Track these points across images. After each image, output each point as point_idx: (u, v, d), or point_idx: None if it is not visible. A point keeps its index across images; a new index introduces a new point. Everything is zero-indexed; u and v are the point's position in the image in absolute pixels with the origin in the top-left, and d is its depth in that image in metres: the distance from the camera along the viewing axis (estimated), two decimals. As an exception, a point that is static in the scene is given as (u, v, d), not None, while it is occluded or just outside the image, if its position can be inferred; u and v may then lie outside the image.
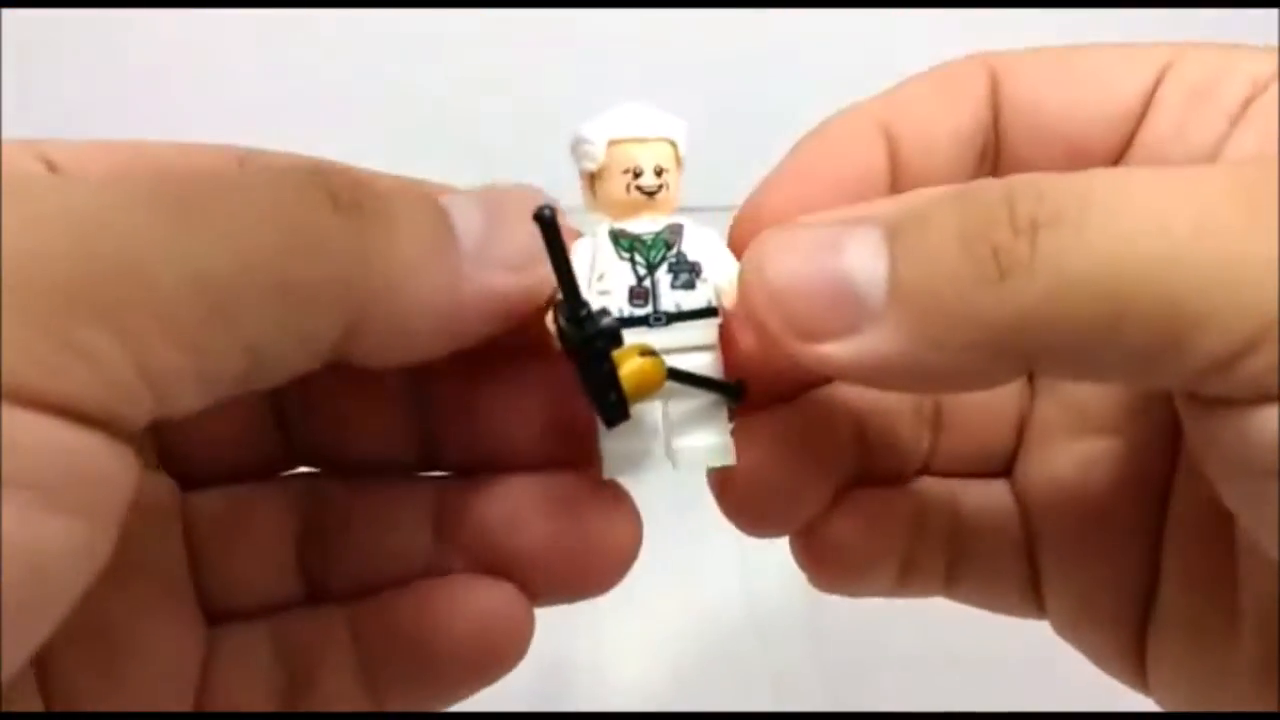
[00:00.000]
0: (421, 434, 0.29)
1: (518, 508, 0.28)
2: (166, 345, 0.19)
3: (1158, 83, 0.28)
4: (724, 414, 0.27)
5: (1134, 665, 0.29)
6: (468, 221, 0.25)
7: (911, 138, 0.29)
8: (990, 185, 0.23)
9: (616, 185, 0.27)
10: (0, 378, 0.17)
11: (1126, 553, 0.29)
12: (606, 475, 0.27)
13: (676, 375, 0.27)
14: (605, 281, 0.27)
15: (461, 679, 0.28)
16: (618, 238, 0.27)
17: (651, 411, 0.27)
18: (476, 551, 0.28)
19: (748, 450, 0.28)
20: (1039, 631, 0.31)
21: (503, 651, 0.28)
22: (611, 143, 0.27)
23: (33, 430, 0.18)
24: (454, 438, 0.29)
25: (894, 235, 0.23)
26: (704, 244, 0.27)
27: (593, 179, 0.27)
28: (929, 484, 0.31)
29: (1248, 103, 0.27)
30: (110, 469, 0.19)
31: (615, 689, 0.45)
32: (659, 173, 0.27)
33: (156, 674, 0.26)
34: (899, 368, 0.23)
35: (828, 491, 0.29)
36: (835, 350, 0.23)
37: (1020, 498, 0.31)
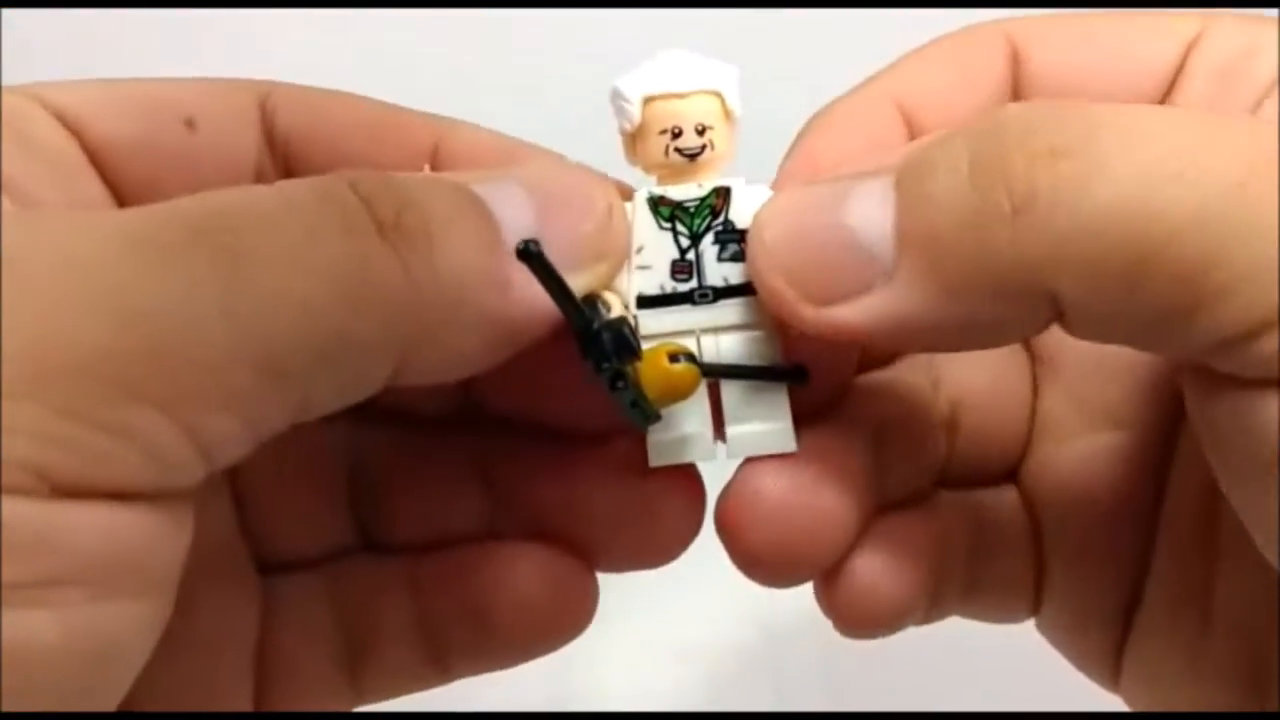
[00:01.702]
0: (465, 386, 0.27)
1: (579, 475, 0.26)
2: (216, 413, 0.18)
3: (1185, 57, 0.26)
4: (784, 395, 0.25)
5: (1111, 664, 0.28)
6: (517, 217, 0.22)
7: (928, 114, 0.26)
8: (1005, 112, 0.21)
9: (655, 147, 0.24)
10: (48, 474, 0.17)
11: (1125, 551, 0.27)
12: (653, 464, 0.25)
13: (716, 371, 0.24)
14: (645, 255, 0.24)
15: (525, 647, 0.27)
16: (657, 205, 0.24)
17: (698, 395, 0.24)
18: (532, 515, 0.26)
19: (764, 482, 0.25)
20: (1037, 633, 0.30)
21: (569, 622, 0.27)
22: (648, 99, 0.24)
23: (83, 523, 0.17)
24: (499, 395, 0.27)
25: (899, 183, 0.21)
26: (755, 209, 0.24)
27: (632, 140, 0.25)
28: (947, 499, 0.28)
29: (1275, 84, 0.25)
30: (165, 538, 0.18)
31: (616, 689, 0.45)
32: (701, 131, 0.24)
33: (215, 632, 0.25)
34: (915, 324, 0.21)
35: (856, 524, 0.26)
36: (848, 313, 0.22)
37: (1029, 500, 0.28)
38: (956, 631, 0.42)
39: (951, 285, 0.21)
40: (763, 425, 0.25)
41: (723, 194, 0.24)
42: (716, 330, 0.24)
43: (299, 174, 0.26)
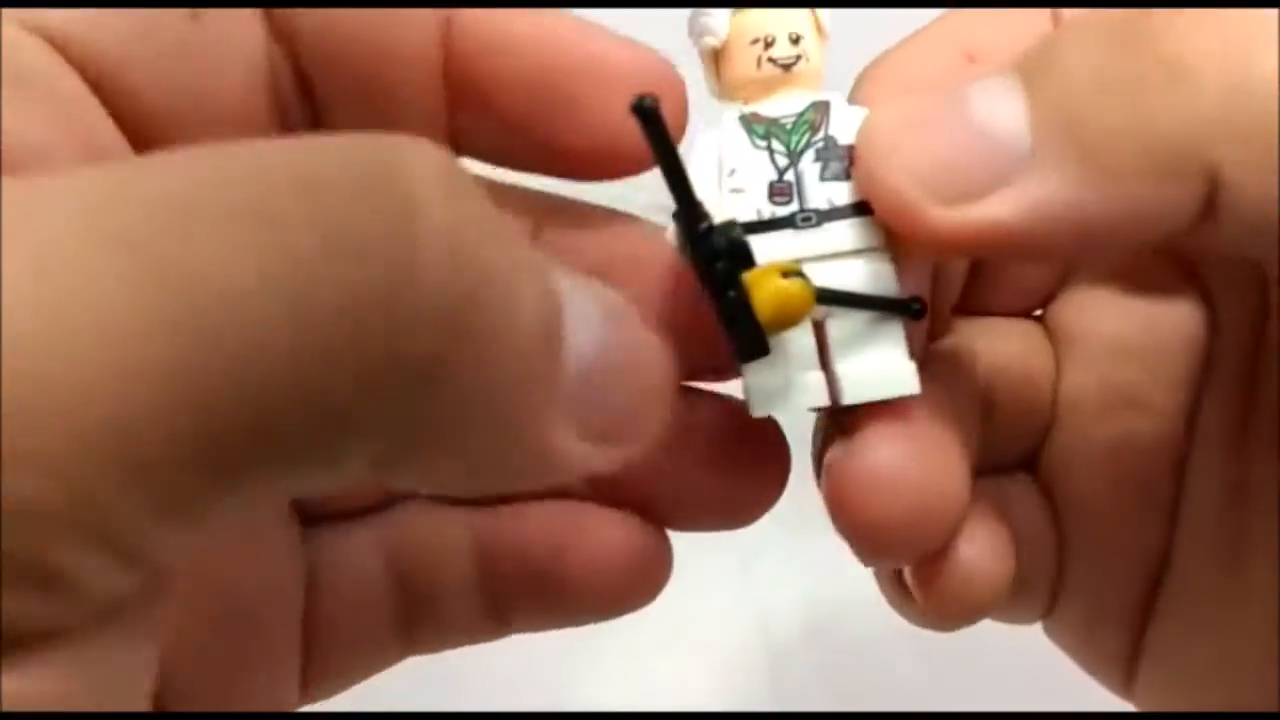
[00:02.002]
0: None
1: None
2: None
3: None
4: (900, 331, 0.22)
5: (1125, 667, 0.27)
6: (579, 348, 0.17)
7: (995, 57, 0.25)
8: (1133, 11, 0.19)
9: (744, 60, 0.22)
10: None
11: (1145, 543, 0.26)
12: (755, 414, 0.22)
13: (831, 297, 0.22)
14: (738, 178, 0.22)
15: (594, 611, 0.25)
16: (750, 124, 0.22)
17: (803, 333, 0.22)
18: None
19: (886, 451, 0.22)
20: (1039, 631, 0.29)
21: (643, 588, 0.25)
22: (736, 11, 0.22)
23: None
24: None
25: (1023, 72, 0.20)
26: (857, 124, 0.22)
27: (716, 59, 0.22)
28: (981, 485, 0.26)
29: None
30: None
31: (616, 689, 0.45)
32: (795, 40, 0.22)
33: (259, 594, 0.23)
34: (1063, 213, 0.19)
35: (969, 491, 0.24)
36: (988, 208, 0.20)
37: (1047, 489, 0.27)
38: (956, 632, 0.42)
39: (1102, 163, 0.19)
40: (881, 365, 0.22)
41: (821, 108, 0.22)
42: (822, 258, 0.22)
43: (306, 56, 0.22)
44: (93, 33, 0.20)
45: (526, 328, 0.16)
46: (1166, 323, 0.26)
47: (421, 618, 0.25)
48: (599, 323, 0.18)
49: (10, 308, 0.12)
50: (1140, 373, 0.26)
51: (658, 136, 0.19)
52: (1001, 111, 0.20)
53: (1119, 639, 0.27)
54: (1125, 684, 0.27)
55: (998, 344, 0.26)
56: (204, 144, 0.15)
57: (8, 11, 0.20)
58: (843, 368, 0.22)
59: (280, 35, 0.22)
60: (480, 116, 0.23)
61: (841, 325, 0.22)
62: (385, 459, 0.15)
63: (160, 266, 0.13)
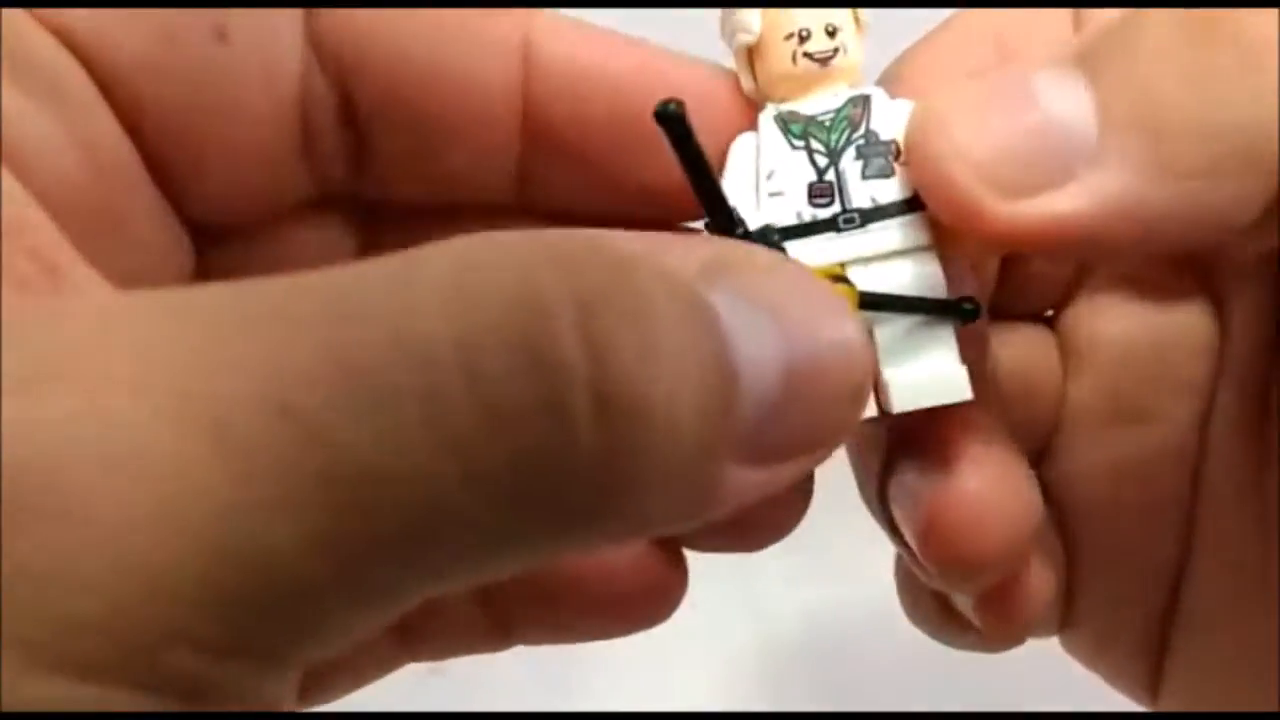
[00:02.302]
0: None
1: None
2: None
3: None
4: (951, 334, 0.21)
5: (1149, 677, 0.26)
6: (757, 386, 0.16)
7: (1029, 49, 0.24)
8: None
9: (780, 56, 0.21)
10: None
11: (1160, 549, 0.26)
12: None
13: (876, 302, 0.21)
14: (776, 180, 0.21)
15: (604, 631, 0.24)
16: (787, 123, 0.21)
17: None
18: None
19: (975, 480, 0.21)
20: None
21: (656, 610, 0.24)
22: (769, 5, 0.21)
23: None
24: None
25: (1086, 60, 0.19)
26: (901, 118, 0.21)
27: (750, 57, 0.21)
28: None
29: None
30: None
31: (616, 689, 0.44)
32: (832, 33, 0.21)
33: None
34: (1134, 207, 0.19)
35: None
36: (1057, 202, 0.19)
37: (1054, 499, 0.26)
38: None
39: (1175, 157, 0.18)
40: (932, 370, 0.21)
41: (861, 103, 0.21)
42: (868, 260, 0.21)
43: (357, 84, 0.21)
44: (112, 38, 0.20)
45: (691, 426, 0.15)
46: (1177, 327, 0.26)
47: (422, 626, 0.24)
48: (777, 348, 0.16)
49: (203, 483, 0.13)
50: (1150, 381, 0.25)
51: (683, 142, 0.18)
52: (1068, 100, 0.19)
53: (1139, 650, 0.26)
54: (1150, 695, 0.27)
55: (1002, 350, 0.26)
56: (361, 296, 0.15)
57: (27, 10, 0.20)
58: (890, 373, 0.21)
59: (327, 63, 0.21)
60: (559, 157, 0.22)
61: (889, 330, 0.21)
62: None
63: (331, 444, 0.13)
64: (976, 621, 0.23)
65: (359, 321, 0.14)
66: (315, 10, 0.21)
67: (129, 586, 0.13)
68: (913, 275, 0.21)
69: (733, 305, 0.16)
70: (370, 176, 0.23)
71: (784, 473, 0.17)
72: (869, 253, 0.21)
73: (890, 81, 0.23)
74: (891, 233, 0.21)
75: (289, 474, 0.13)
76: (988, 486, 0.21)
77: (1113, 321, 0.26)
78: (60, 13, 0.19)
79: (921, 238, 0.21)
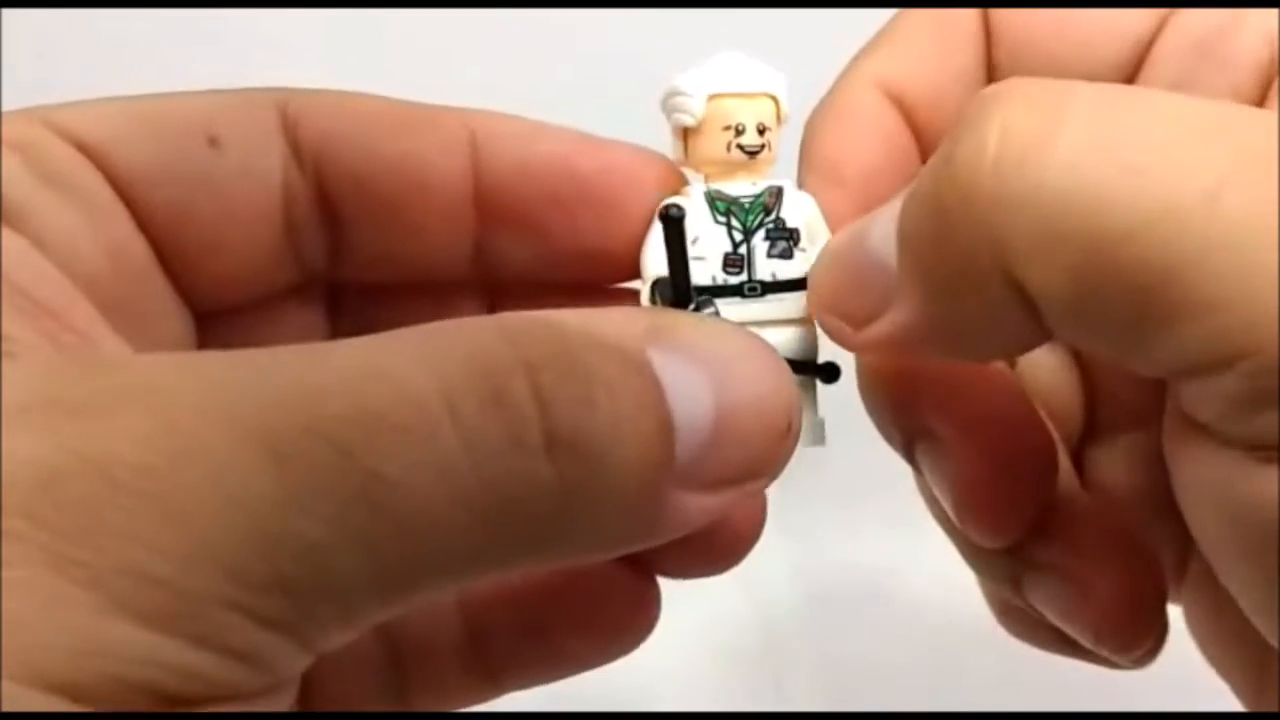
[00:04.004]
0: None
1: None
2: (338, 631, 0.18)
3: (1159, 30, 0.26)
4: (814, 393, 0.25)
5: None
6: (691, 428, 0.20)
7: (921, 96, 0.27)
8: (975, 98, 0.20)
9: (715, 143, 0.25)
10: (163, 692, 0.16)
11: (1166, 544, 0.27)
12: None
13: None
14: (700, 246, 0.25)
15: (584, 661, 0.26)
16: (714, 200, 0.25)
17: None
18: None
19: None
20: None
21: (631, 635, 0.26)
22: (712, 97, 0.25)
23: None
24: None
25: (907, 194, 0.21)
26: (803, 210, 0.25)
27: (686, 134, 0.25)
28: None
29: (1260, 66, 0.25)
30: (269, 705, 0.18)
31: (615, 689, 0.44)
32: (761, 131, 0.25)
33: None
34: (916, 332, 0.21)
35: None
36: (874, 332, 0.22)
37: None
38: (957, 632, 0.42)
39: (930, 281, 0.20)
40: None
41: (775, 193, 0.25)
42: (761, 324, 0.25)
43: (332, 182, 0.25)
44: (120, 148, 0.23)
45: (631, 459, 0.19)
46: None
47: (413, 681, 0.26)
48: (708, 393, 0.20)
49: (257, 486, 0.16)
50: (1143, 388, 0.27)
51: (677, 240, 0.23)
52: (887, 236, 0.21)
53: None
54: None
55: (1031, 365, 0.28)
56: (379, 358, 0.18)
57: (35, 111, 0.23)
58: None
59: (304, 163, 0.25)
60: (509, 232, 0.25)
61: None
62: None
63: (361, 463, 0.17)
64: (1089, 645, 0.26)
65: (375, 379, 0.18)
66: (291, 115, 0.24)
67: (196, 556, 0.16)
68: (794, 339, 0.25)
69: (668, 359, 0.20)
70: (345, 260, 0.26)
71: (728, 497, 0.20)
72: (764, 318, 0.25)
73: (803, 175, 0.26)
74: (784, 303, 0.25)
75: (331, 485, 0.16)
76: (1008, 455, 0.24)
77: None
78: (74, 121, 0.22)
79: (803, 310, 0.25)
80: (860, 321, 0.22)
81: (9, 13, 0.49)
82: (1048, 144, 0.18)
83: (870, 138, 0.26)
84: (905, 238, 0.21)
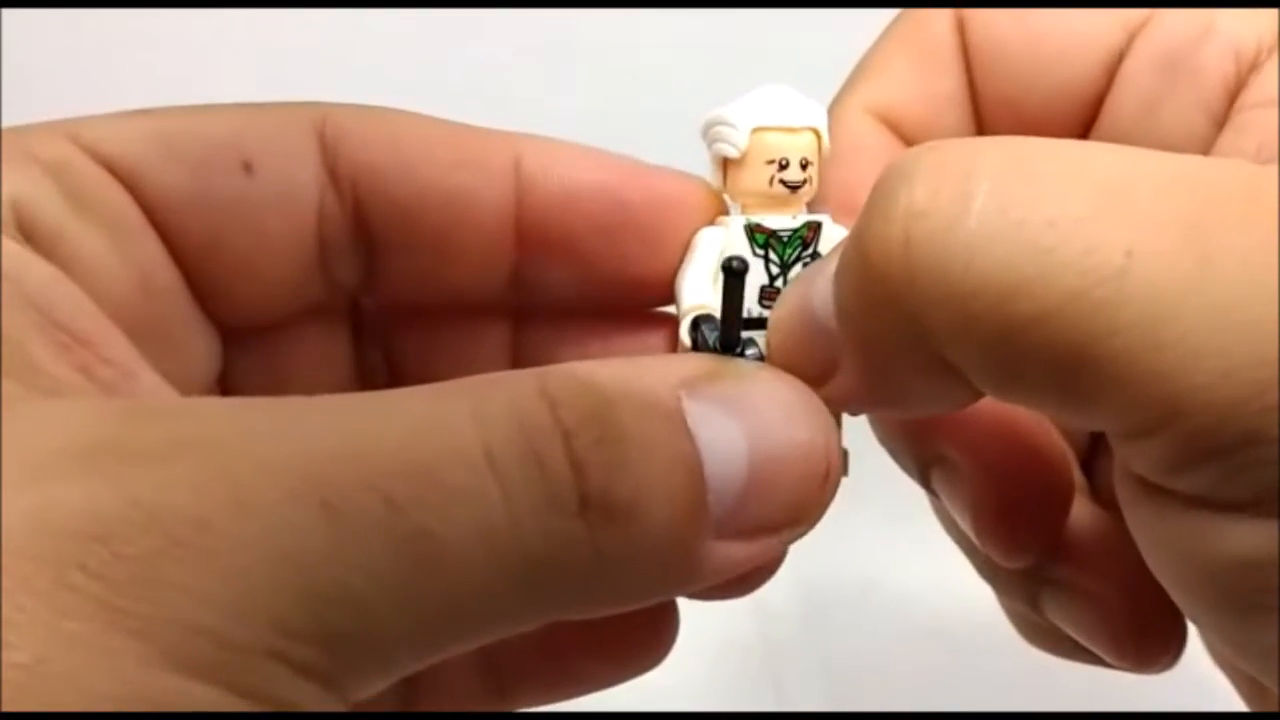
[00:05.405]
0: None
1: None
2: (373, 682, 0.18)
3: (1129, 42, 0.26)
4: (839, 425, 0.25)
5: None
6: (725, 479, 0.20)
7: (911, 118, 0.27)
8: (885, 171, 0.20)
9: (758, 176, 0.25)
10: None
11: None
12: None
13: None
14: None
15: (598, 682, 0.27)
16: (753, 233, 0.25)
17: None
18: None
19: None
20: None
21: (648, 657, 0.26)
22: (756, 130, 0.25)
23: None
24: None
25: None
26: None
27: (726, 164, 0.25)
28: None
29: (1226, 80, 0.25)
30: None
31: (617, 689, 0.44)
32: (804, 165, 0.25)
33: None
34: (859, 394, 0.22)
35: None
36: (836, 389, 0.22)
37: None
38: (956, 632, 0.42)
39: (865, 350, 0.21)
40: None
41: (814, 228, 0.25)
42: None
43: (371, 210, 0.24)
44: (154, 172, 0.22)
45: (661, 516, 0.19)
46: None
47: (421, 694, 0.26)
48: (742, 443, 0.20)
49: (309, 542, 0.16)
50: None
51: (737, 291, 0.23)
52: (825, 306, 0.22)
53: None
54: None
55: None
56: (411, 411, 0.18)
57: (63, 125, 0.22)
58: None
59: (342, 189, 0.24)
60: (551, 259, 0.25)
61: None
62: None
63: (411, 521, 0.17)
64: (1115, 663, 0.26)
65: (427, 434, 0.18)
66: (329, 137, 0.24)
67: (245, 608, 0.16)
68: None
69: (704, 411, 0.20)
70: (377, 283, 0.26)
71: (767, 544, 0.21)
72: None
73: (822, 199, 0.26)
74: None
75: (379, 539, 0.17)
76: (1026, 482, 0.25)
77: None
78: (105, 141, 0.22)
79: None
80: (816, 381, 0.22)
81: (9, 13, 0.49)
82: (955, 226, 0.18)
83: (877, 163, 0.26)
84: (839, 307, 0.21)
